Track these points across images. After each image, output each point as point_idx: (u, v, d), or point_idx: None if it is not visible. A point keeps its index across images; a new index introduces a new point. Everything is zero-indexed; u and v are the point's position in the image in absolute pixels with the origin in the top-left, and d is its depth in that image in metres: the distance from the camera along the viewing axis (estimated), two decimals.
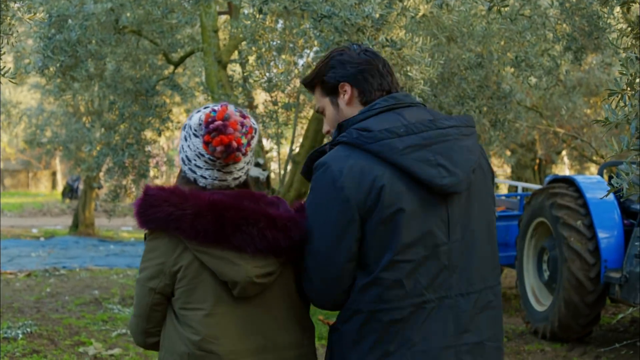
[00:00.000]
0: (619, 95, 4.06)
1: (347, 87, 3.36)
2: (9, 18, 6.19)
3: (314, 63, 10.78)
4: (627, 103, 4.04)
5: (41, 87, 18.14)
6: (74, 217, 24.71)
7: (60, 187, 44.74)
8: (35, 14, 6.34)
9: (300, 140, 11.09)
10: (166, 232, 3.08)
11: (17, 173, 52.72)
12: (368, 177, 3.07)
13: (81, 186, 27.23)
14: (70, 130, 18.91)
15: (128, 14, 10.96)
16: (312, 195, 3.19)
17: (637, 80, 4.12)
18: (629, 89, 4.04)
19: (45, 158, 32.81)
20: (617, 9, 7.74)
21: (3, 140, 38.63)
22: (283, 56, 9.29)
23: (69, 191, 34.02)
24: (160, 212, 3.05)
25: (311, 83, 3.49)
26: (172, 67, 12.81)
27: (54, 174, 52.09)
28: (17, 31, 6.26)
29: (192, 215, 3.03)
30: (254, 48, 9.06)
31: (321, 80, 3.42)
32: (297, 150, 10.80)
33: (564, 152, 21.19)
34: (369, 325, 3.13)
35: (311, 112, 11.57)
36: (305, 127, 11.12)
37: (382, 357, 3.12)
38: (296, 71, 10.06)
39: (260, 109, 12.35)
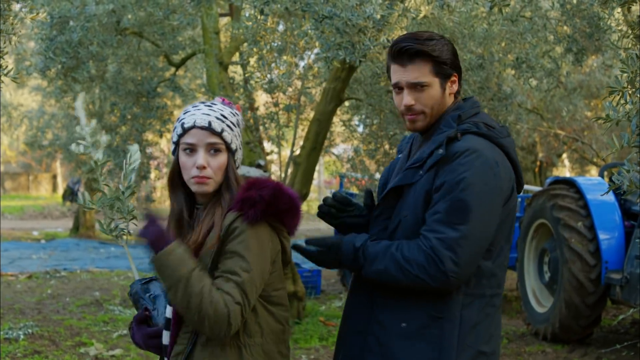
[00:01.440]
0: (620, 93, 4.08)
1: (457, 79, 3.47)
2: (11, 18, 6.19)
3: (315, 65, 10.83)
4: (627, 100, 4.06)
5: (42, 89, 18.17)
6: (75, 220, 24.67)
7: (61, 190, 44.68)
8: (37, 13, 6.36)
9: (301, 142, 11.06)
10: (265, 221, 3.25)
11: (17, 176, 52.66)
12: (508, 169, 3.37)
13: (82, 189, 27.21)
14: (71, 132, 18.89)
15: (130, 16, 10.97)
16: (472, 179, 3.23)
17: (638, 78, 4.14)
18: (629, 86, 4.06)
19: (45, 161, 32.79)
20: (618, 10, 7.75)
21: (4, 143, 38.65)
22: (284, 57, 9.30)
23: (70, 194, 33.93)
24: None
25: (423, 53, 3.35)
26: (173, 69, 12.82)
27: (54, 176, 52.05)
28: (20, 32, 6.23)
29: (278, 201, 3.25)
30: (255, 49, 9.07)
31: (441, 60, 3.37)
32: (298, 152, 10.77)
33: (564, 155, 21.18)
34: (486, 310, 3.39)
35: (312, 114, 11.55)
36: (306, 129, 11.09)
37: (489, 340, 3.42)
38: (297, 72, 10.10)
39: (262, 110, 12.37)
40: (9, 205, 37.22)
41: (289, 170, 10.92)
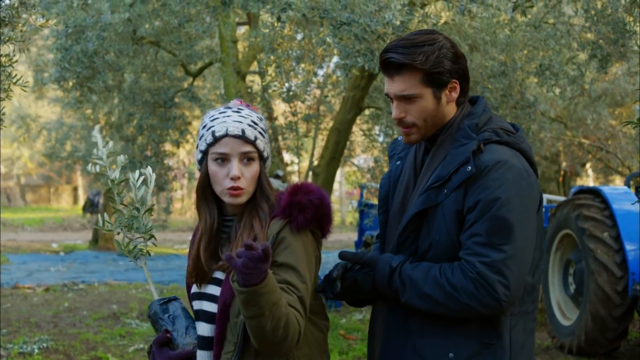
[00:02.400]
0: None
1: (457, 85, 3.19)
2: (20, 25, 6.04)
3: (335, 73, 10.68)
4: None
5: (61, 100, 18.14)
6: (94, 232, 24.60)
7: (81, 202, 44.70)
8: (47, 20, 6.21)
9: (320, 152, 10.90)
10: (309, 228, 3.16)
11: (38, 188, 52.77)
12: (534, 175, 3.18)
13: (102, 200, 27.16)
14: (90, 143, 18.82)
15: (147, 26, 10.86)
16: (508, 194, 3.02)
17: None
18: None
19: (65, 173, 32.83)
20: None
21: (24, 155, 38.76)
22: (302, 65, 9.15)
23: (90, 206, 33.83)
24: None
25: (403, 65, 3.10)
26: (191, 79, 12.70)
27: (75, 188, 52.14)
28: (29, 40, 6.09)
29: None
30: (272, 57, 8.91)
31: (431, 71, 3.11)
32: (317, 162, 10.61)
33: (588, 164, 20.94)
34: (528, 326, 3.23)
35: (331, 123, 11.40)
36: (325, 138, 10.93)
37: (531, 358, 3.27)
38: (316, 81, 9.94)
39: (280, 120, 12.22)
40: (29, 217, 37.27)
41: (309, 181, 10.75)
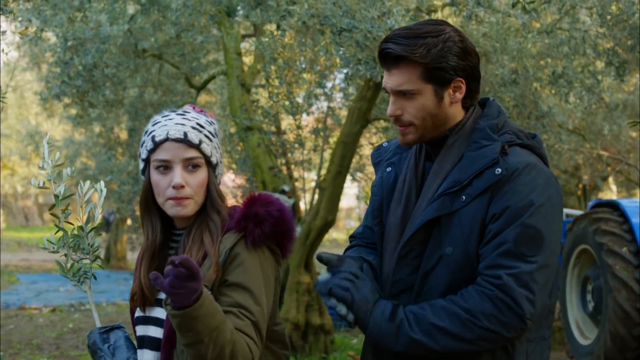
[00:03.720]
0: None
1: (463, 85, 2.84)
2: None
3: (341, 85, 10.34)
4: None
5: (72, 118, 18.02)
6: (106, 251, 24.40)
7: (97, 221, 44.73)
8: (26, 28, 5.94)
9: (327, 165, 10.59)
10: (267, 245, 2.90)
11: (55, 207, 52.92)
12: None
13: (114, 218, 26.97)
14: (100, 161, 18.64)
15: (152, 39, 10.62)
16: (540, 200, 2.71)
17: None
18: None
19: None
20: None
21: (42, 173, 38.81)
22: (305, 75, 8.84)
23: (105, 224, 33.75)
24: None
25: (401, 57, 2.79)
26: (198, 92, 12.44)
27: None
28: (8, 49, 5.83)
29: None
30: (273, 67, 8.60)
31: (433, 66, 2.77)
32: (323, 176, 10.29)
33: (610, 178, 20.54)
34: (545, 354, 2.91)
35: (336, 136, 11.08)
36: (332, 152, 10.61)
37: None
38: (318, 92, 9.62)
39: (289, 134, 11.90)
40: (44, 236, 37.02)
41: (315, 197, 10.46)
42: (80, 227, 3.08)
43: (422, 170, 2.97)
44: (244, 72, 11.20)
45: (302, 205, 12.21)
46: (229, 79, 10.97)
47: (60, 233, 3.11)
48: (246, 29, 12.72)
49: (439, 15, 8.22)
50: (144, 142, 2.91)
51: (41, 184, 3.12)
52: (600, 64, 9.22)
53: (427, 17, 7.65)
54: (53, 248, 3.11)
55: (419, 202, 2.91)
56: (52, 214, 3.11)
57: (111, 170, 12.65)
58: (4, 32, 5.81)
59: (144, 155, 2.91)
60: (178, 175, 2.81)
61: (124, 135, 15.02)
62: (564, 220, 11.97)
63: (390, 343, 2.73)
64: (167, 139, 2.82)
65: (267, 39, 8.31)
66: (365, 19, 6.87)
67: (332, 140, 11.99)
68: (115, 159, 13.61)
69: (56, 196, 3.09)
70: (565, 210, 14.12)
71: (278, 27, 7.91)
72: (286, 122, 13.23)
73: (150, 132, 2.88)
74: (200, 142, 2.84)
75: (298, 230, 10.16)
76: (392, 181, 3.04)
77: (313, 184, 11.60)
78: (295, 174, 12.63)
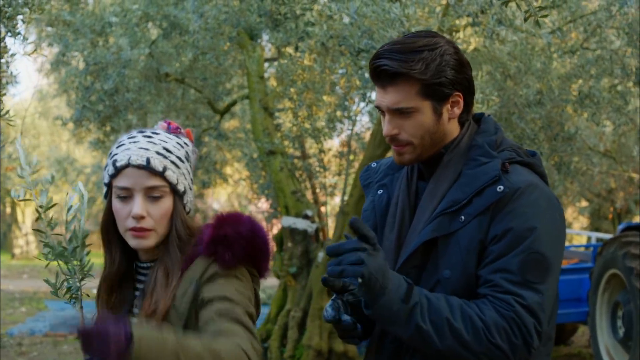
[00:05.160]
0: None
1: (461, 99, 2.71)
2: (5, 53, 5.67)
3: (363, 111, 10.23)
4: None
5: (94, 143, 18.14)
6: None
7: None
8: (36, 49, 5.85)
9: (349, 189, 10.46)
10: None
11: (90, 234, 53.31)
12: None
13: None
14: None
15: (175, 64, 10.59)
16: (543, 223, 2.57)
17: None
18: None
19: None
20: None
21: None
22: (325, 97, 8.72)
23: None
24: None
25: (398, 74, 2.61)
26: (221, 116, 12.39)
27: None
28: (15, 68, 5.74)
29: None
30: (293, 89, 8.49)
31: (431, 82, 2.62)
32: (347, 201, 10.15)
33: None
34: None
35: (359, 160, 10.96)
36: (355, 176, 10.48)
37: None
38: (339, 114, 9.49)
39: (313, 160, 11.79)
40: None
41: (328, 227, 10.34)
42: (63, 248, 2.82)
43: (415, 190, 2.83)
44: (266, 96, 11.12)
45: (331, 231, 12.08)
46: (251, 102, 10.90)
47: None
48: (271, 52, 12.68)
49: (460, 36, 8.07)
50: (106, 165, 2.68)
51: (22, 195, 2.83)
52: (629, 84, 9.03)
53: (447, 37, 7.51)
54: (49, 259, 2.86)
55: (413, 224, 2.75)
56: (36, 231, 2.87)
57: None
58: (12, 55, 5.71)
59: (105, 179, 2.69)
60: (138, 205, 2.59)
61: None
62: (594, 244, 11.77)
63: (398, 325, 2.53)
64: (128, 165, 2.59)
65: (285, 61, 8.22)
66: (384, 39, 6.73)
67: (357, 164, 11.88)
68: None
69: (39, 208, 2.82)
70: (598, 235, 13.91)
71: (297, 49, 7.81)
72: (311, 146, 13.15)
73: (113, 156, 2.65)
74: (165, 169, 2.62)
75: (320, 255, 10.02)
76: (385, 204, 2.90)
77: (328, 206, 11.45)
78: (322, 199, 12.52)
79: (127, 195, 2.60)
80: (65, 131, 29.91)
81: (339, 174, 11.36)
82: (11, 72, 5.76)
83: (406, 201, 2.81)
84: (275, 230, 12.29)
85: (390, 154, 9.69)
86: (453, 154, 2.72)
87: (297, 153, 11.78)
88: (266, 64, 12.03)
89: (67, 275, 2.85)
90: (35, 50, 5.76)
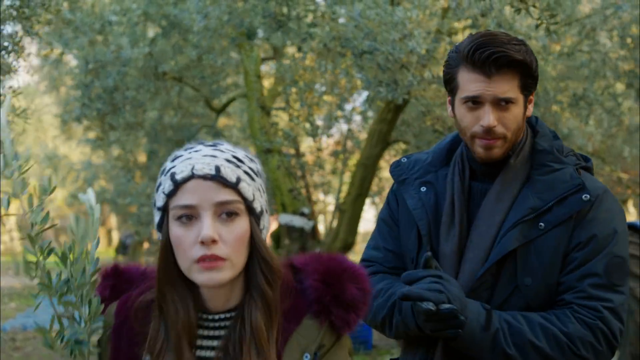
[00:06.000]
0: None
1: (533, 98, 2.69)
2: (24, 54, 5.79)
3: (363, 107, 10.35)
4: None
5: (91, 141, 18.18)
6: None
7: (115, 244, 44.84)
8: (51, 50, 5.97)
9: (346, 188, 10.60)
10: None
11: None
12: None
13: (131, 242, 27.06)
14: (118, 184, 18.70)
15: (172, 62, 10.69)
16: (620, 227, 2.60)
17: None
18: None
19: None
20: None
21: (58, 197, 38.87)
22: (325, 97, 8.86)
23: (122, 248, 33.79)
24: None
25: (516, 63, 2.52)
26: (218, 114, 12.50)
27: (109, 231, 52.26)
28: (19, 69, 5.83)
29: None
30: (294, 89, 8.63)
31: (532, 73, 2.58)
32: (343, 199, 10.30)
33: (630, 201, 20.45)
34: None
35: (355, 159, 11.10)
36: (352, 174, 10.63)
37: None
38: (339, 114, 9.63)
39: (308, 157, 11.93)
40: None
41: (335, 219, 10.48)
42: (67, 287, 1.93)
43: (468, 190, 2.76)
44: (263, 95, 11.25)
45: (321, 228, 12.22)
46: (249, 101, 11.02)
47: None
48: (265, 52, 12.78)
49: (459, 38, 8.22)
50: (160, 185, 2.01)
51: (5, 206, 1.92)
52: (620, 86, 9.20)
53: (447, 39, 7.65)
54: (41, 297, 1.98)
55: (478, 226, 2.69)
56: (27, 266, 1.95)
57: (130, 193, 12.67)
58: (28, 55, 5.83)
59: (160, 202, 1.98)
60: (208, 225, 1.91)
61: (142, 158, 15.07)
62: None
63: (483, 353, 2.52)
64: (192, 176, 1.94)
65: (288, 62, 8.35)
66: (387, 42, 6.88)
67: (351, 162, 12.00)
68: (133, 182, 13.64)
69: (30, 237, 1.93)
70: None
71: (299, 50, 7.93)
72: (305, 144, 13.28)
73: (168, 170, 1.99)
74: (239, 180, 1.97)
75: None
76: (434, 202, 2.79)
77: (331, 207, 11.59)
78: (314, 197, 12.65)
79: (191, 216, 1.93)
80: (52, 128, 29.93)
81: (333, 172, 11.49)
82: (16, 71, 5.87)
83: (462, 203, 2.73)
84: (272, 228, 12.40)
85: (386, 153, 9.68)
86: (519, 157, 2.68)
87: (292, 151, 11.90)
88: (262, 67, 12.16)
89: (69, 326, 1.96)
90: (51, 50, 5.89)
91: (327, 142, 10.98)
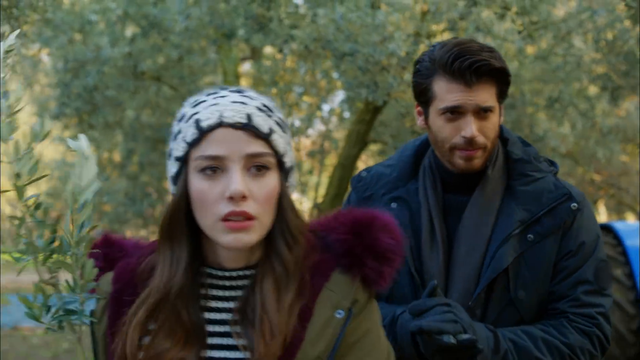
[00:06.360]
0: None
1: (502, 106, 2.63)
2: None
3: (341, 108, 10.46)
4: None
5: (65, 139, 18.16)
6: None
7: None
8: (40, 50, 6.03)
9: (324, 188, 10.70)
10: None
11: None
12: None
13: None
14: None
15: (148, 60, 10.71)
16: (599, 232, 2.60)
17: None
18: None
19: None
20: None
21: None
22: (305, 98, 8.95)
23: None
24: None
25: (496, 72, 2.45)
26: None
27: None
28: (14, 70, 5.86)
29: None
30: (274, 90, 8.71)
31: (508, 81, 2.52)
32: (321, 199, 10.39)
33: (600, 202, 20.67)
34: None
35: (336, 160, 11.20)
36: (331, 174, 10.73)
37: None
38: (318, 114, 9.73)
39: None
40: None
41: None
42: (69, 236, 1.69)
43: (442, 204, 2.66)
44: None
45: None
46: None
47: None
48: (243, 52, 12.84)
49: (438, 40, 8.34)
50: (179, 132, 1.76)
51: None
52: (594, 89, 9.33)
53: (427, 42, 7.75)
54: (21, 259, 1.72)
55: (463, 242, 2.60)
56: (12, 218, 1.71)
57: (107, 192, 12.70)
58: (16, 53, 5.87)
59: (179, 151, 1.74)
60: (237, 179, 1.68)
61: (117, 157, 15.07)
62: None
63: None
64: (220, 124, 1.70)
65: (269, 63, 8.43)
66: (368, 44, 6.96)
67: (328, 162, 12.10)
68: (109, 181, 13.65)
69: (17, 188, 1.69)
70: None
71: (280, 51, 8.00)
72: None
73: (192, 116, 1.74)
74: (271, 131, 1.74)
75: None
76: (408, 219, 2.65)
77: (306, 205, 11.65)
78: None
79: (216, 168, 1.71)
80: (24, 125, 29.72)
81: (310, 173, 11.59)
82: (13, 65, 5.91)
83: (440, 218, 2.63)
84: None
85: (363, 153, 9.73)
86: (496, 167, 2.61)
87: None
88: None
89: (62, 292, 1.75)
90: (40, 50, 5.94)
91: (304, 143, 11.05)
